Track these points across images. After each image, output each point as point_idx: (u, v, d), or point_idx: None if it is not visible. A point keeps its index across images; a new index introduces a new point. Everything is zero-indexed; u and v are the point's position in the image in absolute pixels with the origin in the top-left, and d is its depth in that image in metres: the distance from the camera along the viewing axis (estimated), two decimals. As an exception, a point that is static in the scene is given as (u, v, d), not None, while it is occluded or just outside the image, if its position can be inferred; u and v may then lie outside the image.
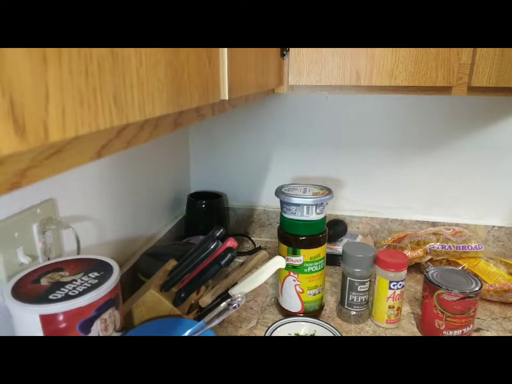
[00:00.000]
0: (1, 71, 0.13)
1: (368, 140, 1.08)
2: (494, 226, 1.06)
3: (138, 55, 0.21)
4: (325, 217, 0.77)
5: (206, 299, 0.67)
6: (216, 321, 0.58)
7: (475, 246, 0.93)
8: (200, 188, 1.22)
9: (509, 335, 0.76)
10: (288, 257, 0.76)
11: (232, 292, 0.66)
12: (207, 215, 1.08)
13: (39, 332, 0.44)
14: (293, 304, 0.79)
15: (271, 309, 0.84)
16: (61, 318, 0.44)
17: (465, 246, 0.93)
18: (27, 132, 0.14)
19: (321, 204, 0.74)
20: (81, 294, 0.45)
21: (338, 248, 1.00)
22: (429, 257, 0.96)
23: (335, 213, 1.14)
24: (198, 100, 0.30)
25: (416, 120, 1.04)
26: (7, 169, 0.16)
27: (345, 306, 0.80)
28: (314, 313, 0.80)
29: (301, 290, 0.78)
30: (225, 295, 0.67)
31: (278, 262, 0.67)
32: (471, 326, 0.71)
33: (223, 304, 0.60)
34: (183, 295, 0.64)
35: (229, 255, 0.63)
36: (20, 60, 0.13)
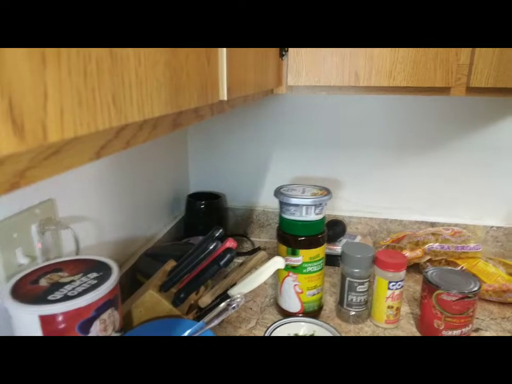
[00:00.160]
0: (0, 72, 0.13)
1: (367, 140, 1.08)
2: (492, 226, 1.06)
3: (137, 55, 0.21)
4: (324, 218, 0.77)
5: (205, 299, 0.67)
6: (216, 322, 0.58)
7: (474, 246, 0.93)
8: (199, 189, 1.22)
9: (508, 335, 0.76)
10: (287, 257, 0.76)
11: (232, 292, 0.66)
12: (206, 216, 1.08)
13: (38, 333, 0.44)
14: (292, 305, 0.79)
15: (270, 309, 0.84)
16: (60, 318, 0.44)
17: (464, 246, 0.93)
18: (26, 133, 0.14)
19: (320, 204, 0.74)
20: (80, 294, 0.45)
21: (337, 248, 1.00)
22: (427, 257, 0.96)
23: (334, 213, 1.14)
24: (197, 100, 0.31)
25: (415, 120, 1.04)
26: (6, 170, 0.15)
27: (344, 307, 0.80)
28: (313, 313, 0.80)
29: (300, 291, 0.78)
30: (224, 296, 0.67)
31: (277, 263, 0.67)
32: (470, 326, 0.71)
33: (223, 305, 0.60)
34: (182, 295, 0.64)
35: (228, 255, 0.63)
36: (19, 60, 0.13)
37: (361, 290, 0.78)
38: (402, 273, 0.75)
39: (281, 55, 0.71)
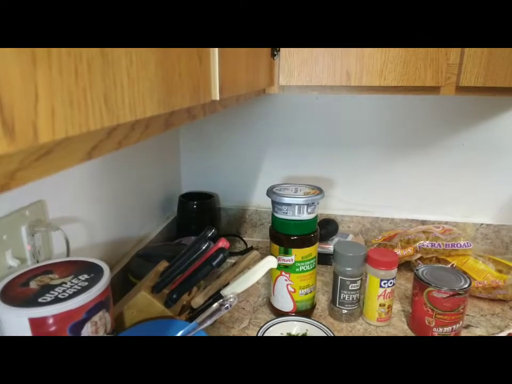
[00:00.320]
0: (-11, 72, 0.13)
1: (359, 139, 1.09)
2: (482, 224, 1.07)
3: (129, 55, 0.21)
4: (316, 217, 0.77)
5: (198, 300, 0.66)
6: (208, 322, 0.58)
7: (464, 243, 0.94)
8: (191, 189, 1.21)
9: (498, 331, 0.77)
10: (280, 256, 0.76)
11: (224, 292, 0.66)
12: (198, 216, 1.08)
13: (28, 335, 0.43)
14: (285, 304, 0.79)
15: (263, 309, 0.84)
16: (50, 321, 0.43)
17: (454, 244, 0.94)
18: (16, 133, 0.14)
19: (313, 203, 0.75)
20: (71, 296, 0.45)
21: (329, 247, 1.01)
22: (418, 255, 0.97)
23: (326, 212, 1.14)
24: (189, 100, 0.30)
25: (406, 119, 1.05)
26: (-4, 171, 0.15)
27: (337, 305, 0.80)
28: (306, 312, 0.80)
29: (292, 290, 0.78)
30: (217, 296, 0.66)
31: (270, 262, 0.67)
32: (461, 322, 0.72)
33: (215, 305, 0.60)
34: (174, 296, 0.64)
35: (221, 255, 0.62)
36: (8, 60, 0.13)
37: (353, 288, 0.78)
38: (394, 271, 0.76)
39: (273, 55, 0.71)
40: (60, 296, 0.45)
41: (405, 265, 1.00)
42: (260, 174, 1.17)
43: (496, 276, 0.86)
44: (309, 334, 0.73)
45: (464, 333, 0.77)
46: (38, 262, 0.57)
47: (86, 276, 0.49)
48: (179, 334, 0.58)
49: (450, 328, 0.71)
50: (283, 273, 0.77)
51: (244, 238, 1.17)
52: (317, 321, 0.74)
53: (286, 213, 0.75)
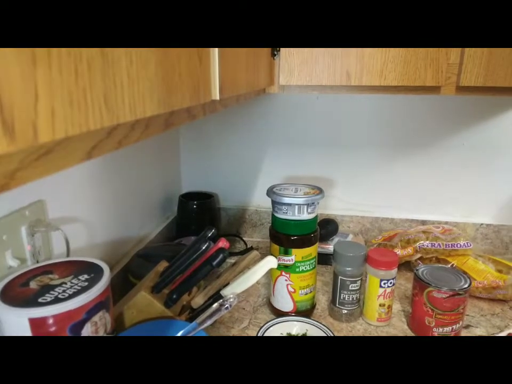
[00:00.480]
0: (-11, 71, 0.13)
1: (359, 139, 1.09)
2: (482, 224, 1.07)
3: (129, 55, 0.21)
4: (316, 217, 0.77)
5: (198, 300, 0.66)
6: (208, 322, 0.58)
7: (464, 243, 0.94)
8: (191, 188, 1.21)
9: (498, 331, 0.77)
10: (280, 257, 0.76)
11: (224, 292, 0.66)
12: (198, 216, 1.08)
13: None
14: (285, 304, 0.79)
15: (263, 309, 0.84)
16: (50, 321, 0.43)
17: (454, 244, 0.94)
18: (16, 133, 0.14)
19: (313, 203, 0.74)
20: (71, 297, 0.45)
21: (329, 247, 1.01)
22: (418, 255, 0.97)
23: (326, 212, 1.14)
24: (189, 100, 0.30)
25: (406, 119, 1.05)
26: (-4, 171, 0.15)
27: (337, 305, 0.80)
28: (306, 312, 0.80)
29: (292, 290, 0.78)
30: (217, 296, 0.66)
31: (270, 262, 0.67)
32: (461, 323, 0.72)
33: (215, 305, 0.60)
34: (174, 296, 0.64)
35: (221, 255, 0.62)
36: (9, 60, 0.13)
37: (353, 288, 0.78)
38: (394, 271, 0.76)
39: (273, 55, 0.71)
40: (59, 296, 0.45)
41: (405, 265, 1.00)
42: (260, 174, 1.17)
43: (496, 275, 0.86)
44: (309, 334, 0.73)
45: (464, 333, 0.77)
46: (38, 262, 0.57)
47: (86, 276, 0.49)
48: (179, 334, 0.58)
49: (450, 328, 0.71)
50: (283, 273, 0.77)
51: (244, 238, 1.17)
52: (317, 321, 0.74)
53: (286, 212, 0.75)
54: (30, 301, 0.44)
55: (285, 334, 0.73)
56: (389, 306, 0.78)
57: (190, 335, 0.58)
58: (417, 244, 0.96)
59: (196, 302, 0.66)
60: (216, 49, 0.35)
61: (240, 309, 0.84)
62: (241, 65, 0.45)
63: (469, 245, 0.94)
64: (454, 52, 0.68)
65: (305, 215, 0.75)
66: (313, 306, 0.82)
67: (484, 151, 1.04)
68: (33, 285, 0.47)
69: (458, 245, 0.94)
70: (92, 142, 0.22)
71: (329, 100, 1.07)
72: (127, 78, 0.21)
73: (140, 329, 0.61)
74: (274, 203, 0.77)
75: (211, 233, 0.68)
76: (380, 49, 0.68)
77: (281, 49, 0.71)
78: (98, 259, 0.54)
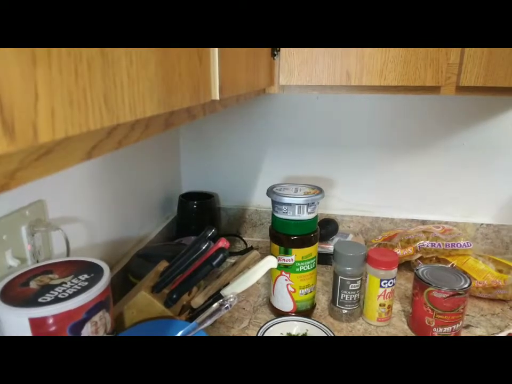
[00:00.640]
0: (-11, 71, 0.13)
1: (359, 139, 1.09)
2: (482, 224, 1.07)
3: (129, 55, 0.21)
4: (316, 217, 0.77)
5: (198, 300, 0.66)
6: (208, 322, 0.58)
7: (464, 243, 0.94)
8: (191, 188, 1.21)
9: (498, 331, 0.77)
10: (280, 256, 0.76)
11: (224, 292, 0.66)
12: (198, 216, 1.08)
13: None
14: (285, 304, 0.79)
15: (263, 309, 0.84)
16: (50, 321, 0.43)
17: (454, 244, 0.94)
18: (16, 133, 0.14)
19: (313, 203, 0.74)
20: (71, 296, 0.45)
21: (329, 247, 1.01)
22: (418, 255, 0.97)
23: (326, 212, 1.14)
24: (189, 100, 0.30)
25: (406, 119, 1.05)
26: (-4, 171, 0.15)
27: (337, 305, 0.80)
28: (306, 312, 0.80)
29: (292, 290, 0.78)
30: (217, 296, 0.66)
31: (270, 262, 0.67)
32: (461, 322, 0.72)
33: (215, 305, 0.60)
34: (174, 296, 0.64)
35: (221, 255, 0.62)
36: (8, 60, 0.13)
37: (353, 288, 0.78)
38: (394, 271, 0.76)
39: (273, 55, 0.71)
40: (60, 296, 0.45)
41: (405, 265, 1.00)
42: (260, 174, 1.17)
43: (496, 275, 0.86)
44: (309, 334, 0.73)
45: (464, 333, 0.77)
46: (38, 262, 0.57)
47: (86, 276, 0.49)
48: (179, 334, 0.58)
49: (450, 328, 0.71)
50: (283, 273, 0.77)
51: (244, 238, 1.17)
52: (317, 321, 0.74)
53: (286, 212, 0.75)
54: (30, 300, 0.44)
55: (285, 334, 0.73)
56: (389, 306, 0.78)
57: (190, 335, 0.58)
58: (417, 243, 0.96)
59: (196, 302, 0.66)
60: (216, 49, 0.35)
61: (240, 308, 0.84)
62: (241, 65, 0.45)
63: (469, 244, 0.94)
64: (454, 52, 0.68)
65: (305, 215, 0.75)
66: (313, 306, 0.82)
67: (484, 151, 1.04)
68: (33, 284, 0.47)
69: (459, 245, 0.94)
70: (92, 142, 0.22)
71: (329, 100, 1.07)
72: (127, 78, 0.21)
73: (139, 329, 0.61)
74: (274, 203, 0.77)
75: (211, 233, 0.68)
76: (380, 49, 0.68)
77: (281, 49, 0.71)
78: (98, 259, 0.54)
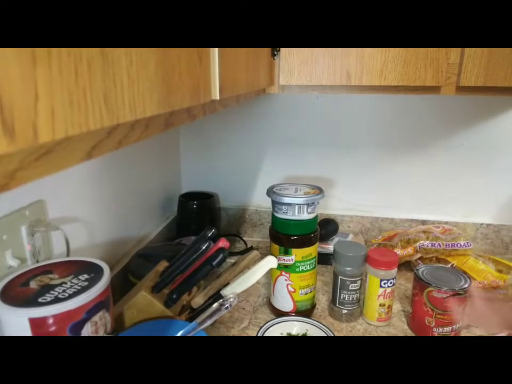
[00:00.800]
0: (-11, 71, 0.13)
1: (359, 139, 1.09)
2: (482, 224, 1.07)
3: (129, 55, 0.21)
4: (316, 217, 0.77)
5: (198, 300, 0.66)
6: (208, 322, 0.58)
7: (464, 243, 0.94)
8: (191, 188, 1.21)
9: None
10: (280, 256, 0.76)
11: (224, 292, 0.66)
12: (198, 216, 1.08)
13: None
14: (285, 304, 0.79)
15: (263, 309, 0.84)
16: (50, 321, 0.43)
17: (454, 244, 0.94)
18: (16, 133, 0.14)
19: (313, 203, 0.74)
20: (71, 296, 0.45)
21: (329, 247, 1.01)
22: (418, 255, 0.97)
23: (326, 212, 1.14)
24: (189, 100, 0.30)
25: (406, 119, 1.05)
26: (-4, 171, 0.15)
27: (337, 305, 0.80)
28: (306, 312, 0.80)
29: (292, 290, 0.78)
30: (217, 296, 0.66)
31: (270, 262, 0.67)
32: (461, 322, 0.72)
33: (215, 305, 0.60)
34: (174, 296, 0.64)
35: (221, 255, 0.62)
36: (8, 60, 0.13)
37: (353, 288, 0.78)
38: (394, 271, 0.76)
39: (273, 55, 0.71)
40: (59, 296, 0.45)
41: (405, 265, 1.00)
42: (260, 174, 1.17)
43: (496, 275, 0.86)
44: (309, 334, 0.73)
45: (464, 333, 0.77)
46: (38, 262, 0.57)
47: (86, 276, 0.49)
48: (179, 334, 0.58)
49: (450, 328, 0.71)
50: (283, 273, 0.77)
51: (244, 238, 1.17)
52: (317, 321, 0.74)
53: (286, 212, 0.75)
54: (30, 300, 0.44)
55: (285, 334, 0.73)
56: (389, 306, 0.78)
57: (190, 335, 0.58)
58: (417, 243, 0.96)
59: (196, 302, 0.66)
60: (216, 49, 0.35)
61: (240, 308, 0.84)
62: (241, 65, 0.45)
63: (469, 244, 0.94)
64: (454, 52, 0.68)
65: (305, 215, 0.75)
66: (313, 306, 0.82)
67: (484, 151, 1.04)
68: (33, 284, 0.47)
69: (459, 245, 0.94)
70: (92, 142, 0.22)
71: (329, 100, 1.07)
72: (127, 78, 0.21)
73: (139, 329, 0.61)
74: (274, 203, 0.77)
75: (211, 233, 0.68)
76: (380, 49, 0.68)
77: (281, 49, 0.71)
78: (98, 259, 0.54)
